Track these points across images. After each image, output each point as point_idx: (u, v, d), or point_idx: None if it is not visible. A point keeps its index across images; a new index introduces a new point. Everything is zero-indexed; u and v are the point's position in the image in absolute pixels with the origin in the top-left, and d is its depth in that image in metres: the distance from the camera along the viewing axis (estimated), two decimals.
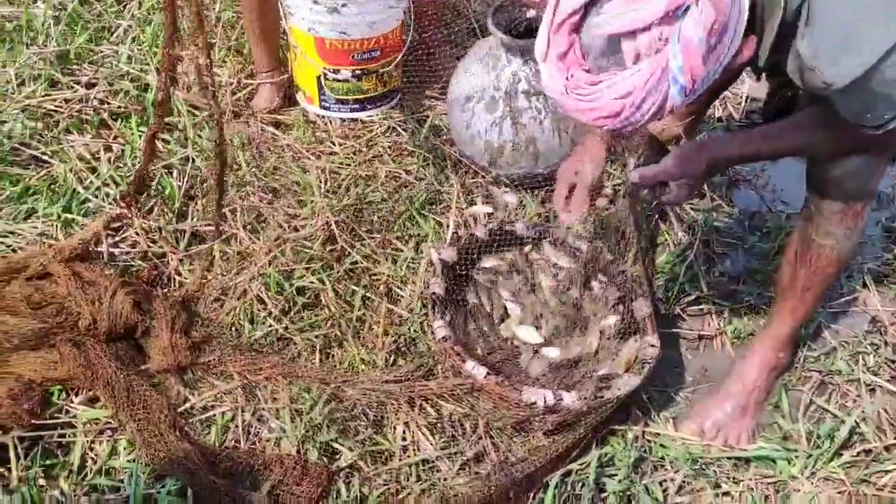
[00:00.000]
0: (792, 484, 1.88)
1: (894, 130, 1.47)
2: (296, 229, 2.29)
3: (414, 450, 1.89)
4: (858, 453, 1.95)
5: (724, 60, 1.33)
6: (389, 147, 2.64)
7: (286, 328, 2.09)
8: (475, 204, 2.48)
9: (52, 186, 2.40)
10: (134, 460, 1.79)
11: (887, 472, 1.91)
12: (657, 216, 2.46)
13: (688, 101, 1.35)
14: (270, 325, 2.09)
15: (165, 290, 2.17)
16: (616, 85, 1.30)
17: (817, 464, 1.91)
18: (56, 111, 2.63)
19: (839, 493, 1.86)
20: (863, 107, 1.44)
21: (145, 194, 2.37)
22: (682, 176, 1.71)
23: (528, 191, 2.52)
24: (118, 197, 2.31)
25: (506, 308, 2.16)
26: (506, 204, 2.48)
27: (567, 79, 1.34)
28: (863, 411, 2.02)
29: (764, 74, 1.87)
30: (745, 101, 3.03)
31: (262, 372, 1.96)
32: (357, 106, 2.70)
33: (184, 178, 2.43)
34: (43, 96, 2.65)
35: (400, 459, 1.87)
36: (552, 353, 2.06)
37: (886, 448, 1.96)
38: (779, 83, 1.92)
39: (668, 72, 1.27)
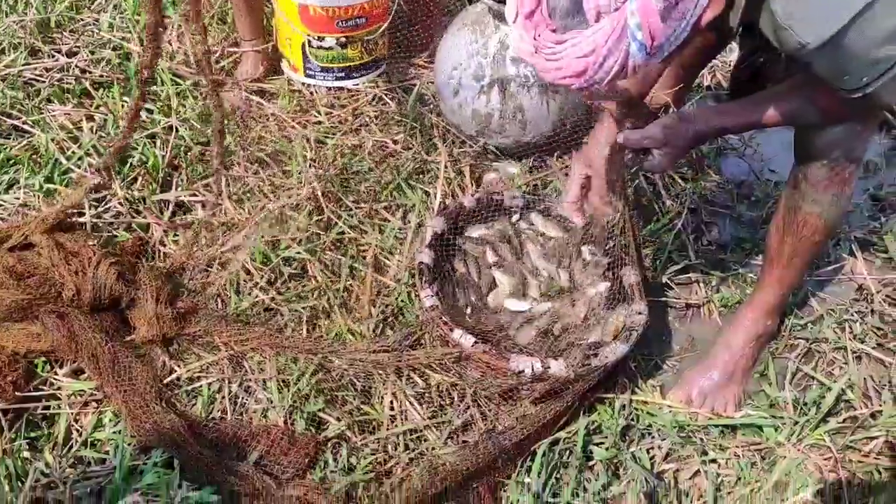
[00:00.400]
0: (778, 451, 1.89)
1: (876, 95, 1.47)
2: (281, 199, 2.27)
3: (402, 419, 1.89)
4: (844, 420, 1.96)
5: (691, 19, 1.32)
6: (376, 116, 2.62)
7: (272, 299, 2.08)
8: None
9: (34, 156, 2.37)
10: (119, 432, 1.78)
11: (873, 438, 1.92)
12: (641, 180, 2.45)
13: (655, 60, 1.34)
14: (257, 296, 2.08)
15: (151, 262, 2.15)
16: (579, 44, 1.31)
17: (804, 431, 1.92)
18: (37, 80, 2.59)
19: (825, 459, 1.87)
20: (840, 68, 1.44)
21: (128, 164, 2.35)
22: (666, 144, 1.70)
23: (517, 160, 2.50)
24: (99, 168, 2.28)
25: (494, 278, 2.15)
26: (511, 176, 2.46)
27: (535, 38, 1.34)
28: (849, 378, 2.03)
29: (736, 41, 1.85)
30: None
31: (248, 343, 1.95)
32: (342, 74, 2.67)
33: (167, 147, 2.40)
34: (23, 65, 2.62)
35: (388, 429, 1.86)
36: (542, 307, 2.07)
37: (872, 415, 1.97)
38: (750, 49, 1.91)
39: (627, 29, 1.27)
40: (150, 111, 2.51)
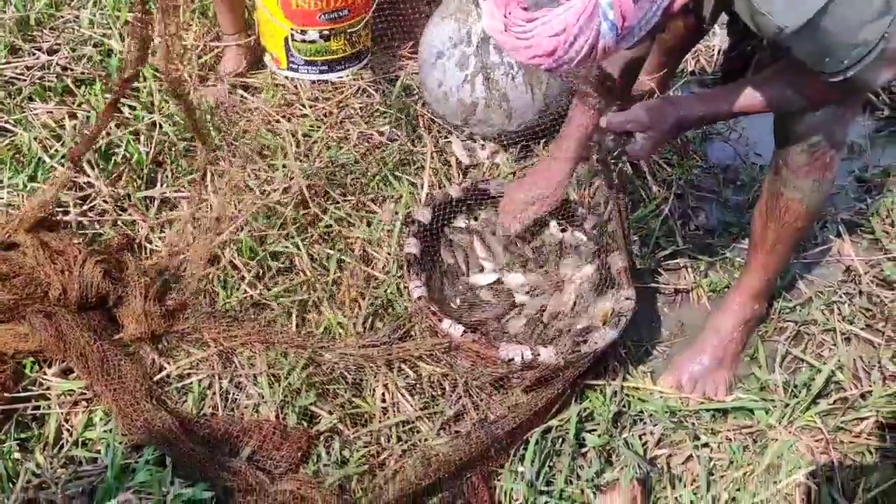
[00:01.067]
0: (770, 433, 1.89)
1: (858, 78, 1.47)
2: (267, 194, 2.26)
3: (394, 411, 1.88)
4: (835, 401, 1.96)
5: (662, 3, 1.32)
6: (360, 108, 2.61)
7: (261, 294, 2.07)
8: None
9: (17, 156, 2.34)
10: (110, 431, 1.77)
11: (863, 418, 1.93)
12: (627, 168, 2.45)
13: (624, 42, 1.34)
14: (245, 291, 2.07)
15: (138, 259, 2.14)
16: (550, 22, 1.30)
17: (794, 413, 1.93)
18: (18, 79, 2.56)
19: (817, 441, 1.87)
20: (819, 51, 1.44)
21: (112, 161, 2.33)
22: (649, 128, 1.70)
23: (502, 149, 2.49)
24: (67, 155, 2.24)
25: (482, 267, 2.15)
26: (484, 157, 2.46)
27: (505, 16, 1.33)
28: (838, 360, 2.04)
29: (726, 26, 1.85)
30: (718, 53, 3.02)
31: (238, 338, 1.94)
32: (326, 67, 2.65)
33: (151, 144, 2.38)
34: (4, 64, 2.59)
35: (380, 421, 1.86)
36: (517, 279, 2.09)
37: (862, 395, 1.98)
38: (739, 36, 1.91)
39: (599, 7, 1.26)
40: (132, 108, 2.49)
